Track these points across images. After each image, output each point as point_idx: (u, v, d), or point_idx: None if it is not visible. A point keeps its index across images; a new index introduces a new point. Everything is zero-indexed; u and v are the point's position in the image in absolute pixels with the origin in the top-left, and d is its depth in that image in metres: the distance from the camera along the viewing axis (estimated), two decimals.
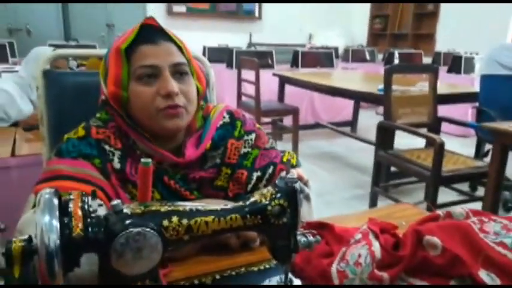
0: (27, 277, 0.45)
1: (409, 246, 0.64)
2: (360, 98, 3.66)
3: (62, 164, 0.73)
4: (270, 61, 4.96)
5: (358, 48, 6.83)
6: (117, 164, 0.76)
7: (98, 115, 0.82)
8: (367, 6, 8.03)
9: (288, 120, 4.00)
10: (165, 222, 0.51)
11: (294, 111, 3.61)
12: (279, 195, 0.57)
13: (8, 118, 1.77)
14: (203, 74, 0.86)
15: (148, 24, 0.77)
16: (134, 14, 5.83)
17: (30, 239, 0.46)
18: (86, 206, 0.50)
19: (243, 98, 3.78)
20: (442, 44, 6.55)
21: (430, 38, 6.96)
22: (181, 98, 0.77)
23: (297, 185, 0.57)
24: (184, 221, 0.52)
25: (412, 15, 7.24)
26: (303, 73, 4.43)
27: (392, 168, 2.76)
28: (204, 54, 4.96)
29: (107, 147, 0.77)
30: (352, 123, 4.84)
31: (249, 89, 3.74)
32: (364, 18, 8.10)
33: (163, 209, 0.52)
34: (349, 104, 4.75)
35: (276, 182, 0.58)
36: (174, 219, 0.51)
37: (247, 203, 0.57)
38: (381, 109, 5.39)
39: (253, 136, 0.89)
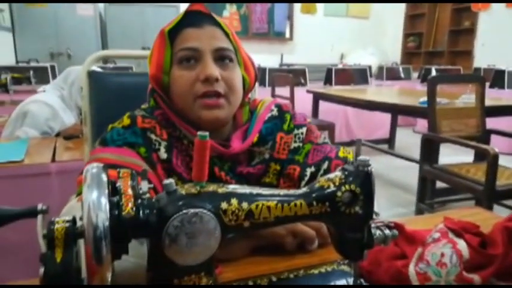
0: (70, 264, 0.39)
1: (501, 244, 0.55)
2: (399, 112, 3.52)
3: (106, 153, 0.68)
4: (302, 79, 4.92)
5: (392, 66, 6.70)
6: (163, 154, 0.71)
7: (142, 106, 0.79)
8: (400, 24, 7.93)
9: None
10: (224, 205, 0.44)
11: (330, 127, 3.52)
12: (349, 179, 0.49)
13: (52, 131, 1.78)
14: (253, 67, 0.81)
15: (196, 10, 0.73)
16: None
17: (74, 221, 0.41)
18: (136, 186, 0.44)
19: (295, 111, 3.72)
20: (480, 61, 6.33)
21: (467, 55, 6.76)
22: (222, 85, 0.71)
23: (371, 169, 0.50)
24: (245, 205, 0.45)
25: (447, 32, 7.08)
26: (337, 89, 4.35)
27: (438, 185, 2.60)
28: None
29: (153, 136, 0.72)
30: (390, 140, 4.68)
31: None
32: (397, 37, 7.99)
33: (220, 190, 0.46)
34: (386, 121, 4.60)
35: (345, 166, 0.51)
36: (234, 201, 0.45)
37: (314, 188, 0.50)
38: (418, 127, 5.23)
39: (303, 130, 0.82)
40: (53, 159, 1.31)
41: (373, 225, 0.51)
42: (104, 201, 0.38)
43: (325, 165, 0.78)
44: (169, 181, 0.44)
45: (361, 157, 0.50)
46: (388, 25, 7.83)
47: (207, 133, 0.44)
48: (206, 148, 0.44)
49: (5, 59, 4.80)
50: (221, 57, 0.72)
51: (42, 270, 0.40)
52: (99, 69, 1.65)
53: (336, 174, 0.50)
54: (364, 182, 0.49)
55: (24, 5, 5.24)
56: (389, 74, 6.23)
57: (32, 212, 0.44)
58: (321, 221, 0.50)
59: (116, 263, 0.45)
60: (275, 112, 0.83)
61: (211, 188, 0.45)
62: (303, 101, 3.98)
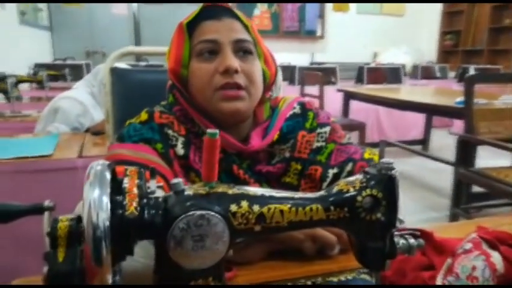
0: (72, 264, 0.38)
1: None
2: (434, 112, 3.38)
3: (122, 149, 0.68)
4: (333, 78, 4.84)
5: (428, 65, 6.47)
6: (180, 150, 0.69)
7: (162, 103, 0.77)
8: (436, 22, 7.66)
9: (353, 137, 3.81)
10: (233, 207, 0.42)
11: (360, 127, 3.43)
12: (371, 183, 0.45)
13: (82, 127, 1.82)
14: (274, 61, 0.78)
15: (214, 3, 0.71)
16: None
17: (79, 219, 0.39)
18: (143, 185, 0.42)
19: (319, 109, 3.67)
20: None
21: (508, 54, 6.44)
22: (242, 77, 0.69)
23: (395, 172, 0.46)
24: (256, 208, 0.42)
25: (487, 30, 6.77)
26: (369, 88, 4.24)
27: (474, 189, 2.48)
28: None
29: (170, 132, 0.71)
30: (424, 142, 4.52)
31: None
32: (433, 35, 7.72)
33: (231, 191, 0.43)
34: (419, 122, 4.45)
35: (366, 169, 0.47)
36: (244, 204, 0.42)
37: (331, 192, 0.46)
38: (454, 128, 5.02)
39: (327, 129, 0.79)
40: (80, 155, 1.33)
41: (396, 233, 0.47)
42: (106, 200, 0.36)
43: (348, 167, 0.74)
44: (178, 180, 0.42)
45: (384, 160, 0.47)
46: (424, 23, 7.57)
47: (217, 131, 0.42)
48: (216, 147, 0.42)
49: (43, 57, 4.97)
50: (240, 49, 0.70)
51: (45, 269, 0.38)
52: (127, 66, 1.67)
53: (357, 177, 0.47)
54: (387, 186, 0.45)
55: (62, 5, 5.42)
56: (424, 73, 6.01)
57: (38, 209, 0.43)
58: (338, 227, 0.47)
59: (124, 263, 0.43)
60: (297, 110, 0.80)
61: (221, 188, 0.43)
62: (333, 100, 3.90)
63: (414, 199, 3.11)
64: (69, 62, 4.60)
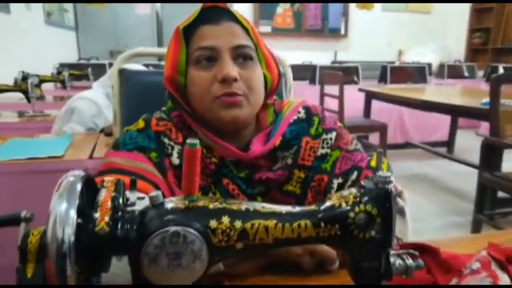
0: (41, 281, 0.36)
1: None
2: (458, 113, 3.26)
3: (116, 157, 0.66)
4: (355, 77, 4.74)
5: (455, 63, 6.27)
6: (175, 160, 0.67)
7: (163, 108, 0.76)
8: (465, 19, 7.41)
9: (374, 138, 3.72)
10: (213, 223, 0.39)
11: (382, 128, 3.34)
12: (365, 198, 0.42)
13: (96, 127, 1.84)
14: (276, 65, 0.75)
15: (212, 5, 0.69)
16: None
17: None
18: (121, 197, 0.40)
19: (325, 114, 3.60)
20: None
21: None
22: (241, 85, 0.66)
23: (392, 187, 0.42)
24: (238, 224, 0.40)
25: None
26: (392, 88, 4.13)
27: (500, 194, 2.37)
28: None
29: (166, 140, 0.69)
30: (449, 143, 4.37)
31: (331, 104, 3.57)
32: (461, 33, 7.48)
33: (212, 205, 0.41)
34: (445, 123, 4.31)
35: (362, 182, 0.44)
36: (225, 219, 0.40)
37: (322, 207, 0.43)
38: (482, 130, 4.84)
39: (333, 135, 0.75)
40: (91, 156, 1.34)
41: (392, 252, 0.43)
42: (73, 214, 0.34)
43: (353, 176, 0.70)
44: (156, 193, 0.40)
45: (381, 173, 0.43)
46: (451, 20, 7.33)
47: (197, 141, 0.39)
48: (196, 157, 0.39)
49: (69, 56, 5.08)
50: (240, 56, 0.67)
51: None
52: (142, 67, 1.67)
53: (351, 191, 0.44)
54: (382, 202, 0.42)
55: (87, 5, 5.53)
56: (451, 72, 5.83)
57: (15, 220, 0.41)
58: (329, 245, 0.44)
59: (105, 275, 0.42)
60: (302, 114, 0.76)
61: (202, 202, 0.41)
62: (354, 100, 3.82)
63: (437, 202, 3.01)
64: (92, 61, 4.69)
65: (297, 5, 6.81)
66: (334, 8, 6.99)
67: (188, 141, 0.39)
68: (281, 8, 6.80)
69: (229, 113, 0.66)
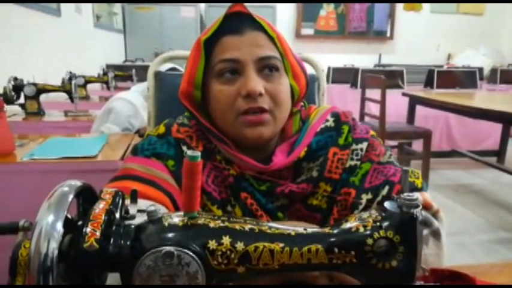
0: None
1: None
2: (509, 122, 3.05)
3: (134, 163, 0.65)
4: (400, 81, 4.56)
5: (509, 68, 5.89)
6: None
7: (186, 113, 0.73)
8: None
9: (418, 145, 3.56)
10: (212, 244, 0.36)
11: (426, 135, 3.18)
12: (386, 223, 0.37)
13: (132, 128, 1.87)
14: (304, 72, 0.70)
15: (235, 11, 0.65)
16: None
17: None
18: (118, 210, 0.38)
19: (366, 119, 3.49)
20: None
21: None
22: (267, 100, 0.62)
23: (418, 212, 0.37)
24: (239, 245, 0.36)
25: None
26: (438, 93, 3.94)
27: None
28: (328, 74, 4.82)
29: (185, 148, 0.66)
30: (499, 153, 4.10)
31: (373, 109, 3.44)
32: None
33: (213, 224, 0.37)
34: (495, 130, 4.04)
35: (385, 203, 0.39)
36: (226, 240, 0.36)
37: (337, 230, 0.39)
38: None
39: (364, 145, 0.69)
40: (123, 157, 1.35)
41: (417, 283, 0.38)
42: (59, 227, 0.32)
43: (384, 191, 0.64)
44: (154, 208, 0.37)
45: (407, 194, 0.38)
46: (506, 22, 6.91)
47: (198, 153, 0.36)
48: (197, 171, 0.36)
49: (117, 58, 5.27)
50: (266, 67, 0.63)
51: None
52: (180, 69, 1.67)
53: (370, 214, 0.39)
54: (407, 228, 0.37)
55: (135, 8, 5.71)
56: (505, 77, 5.47)
57: (12, 228, 0.40)
58: (343, 272, 0.39)
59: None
60: (331, 123, 0.71)
61: (203, 220, 0.37)
62: (398, 105, 3.67)
63: (484, 216, 2.82)
64: (138, 63, 4.83)
65: (341, 8, 6.69)
66: (379, 10, 6.80)
67: (188, 153, 0.36)
68: (324, 11, 6.70)
69: (254, 132, 0.63)
